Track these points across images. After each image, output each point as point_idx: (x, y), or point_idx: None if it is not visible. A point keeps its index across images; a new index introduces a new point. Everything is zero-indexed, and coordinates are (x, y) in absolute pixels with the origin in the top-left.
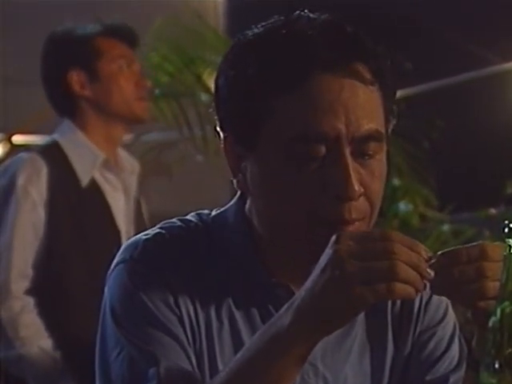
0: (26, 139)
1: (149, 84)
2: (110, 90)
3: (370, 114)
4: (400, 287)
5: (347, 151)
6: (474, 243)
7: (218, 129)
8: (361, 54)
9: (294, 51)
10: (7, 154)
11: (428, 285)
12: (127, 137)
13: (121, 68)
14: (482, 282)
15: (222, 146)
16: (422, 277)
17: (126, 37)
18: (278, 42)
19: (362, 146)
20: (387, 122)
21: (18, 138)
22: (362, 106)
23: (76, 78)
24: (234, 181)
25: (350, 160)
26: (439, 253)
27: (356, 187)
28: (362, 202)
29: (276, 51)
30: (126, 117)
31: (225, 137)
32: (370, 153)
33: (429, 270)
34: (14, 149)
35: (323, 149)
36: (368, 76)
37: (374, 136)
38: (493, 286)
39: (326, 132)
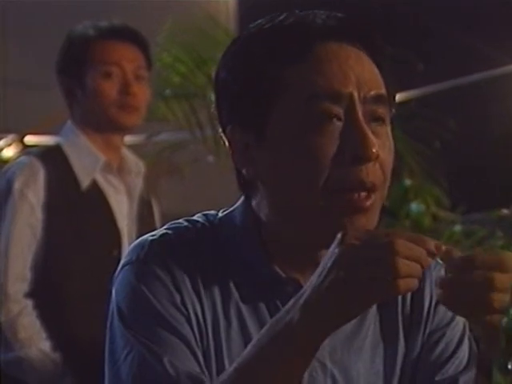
0: (38, 140)
1: (136, 90)
2: (91, 100)
3: (377, 80)
4: (403, 283)
5: (360, 112)
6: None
7: (223, 122)
8: (362, 37)
9: (297, 25)
10: (19, 155)
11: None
12: (139, 137)
13: (107, 75)
14: (488, 294)
15: (228, 136)
16: (423, 267)
17: (123, 36)
18: (281, 22)
19: (372, 107)
20: (390, 105)
21: (30, 139)
22: (369, 71)
23: (66, 87)
24: (243, 170)
25: (363, 121)
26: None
27: (373, 146)
28: (376, 168)
29: (280, 29)
30: (108, 126)
31: (231, 127)
32: (381, 116)
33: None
34: (27, 149)
35: (338, 110)
36: (369, 53)
37: (382, 100)
38: (497, 299)
39: (339, 90)
